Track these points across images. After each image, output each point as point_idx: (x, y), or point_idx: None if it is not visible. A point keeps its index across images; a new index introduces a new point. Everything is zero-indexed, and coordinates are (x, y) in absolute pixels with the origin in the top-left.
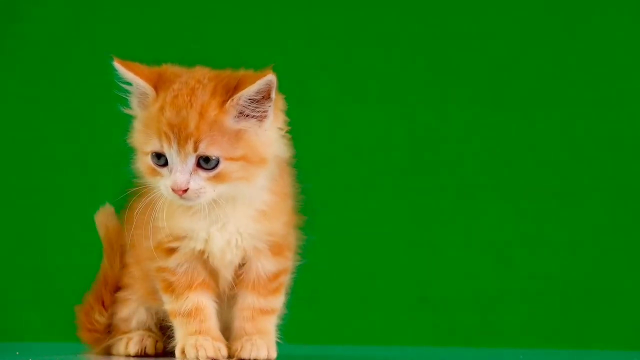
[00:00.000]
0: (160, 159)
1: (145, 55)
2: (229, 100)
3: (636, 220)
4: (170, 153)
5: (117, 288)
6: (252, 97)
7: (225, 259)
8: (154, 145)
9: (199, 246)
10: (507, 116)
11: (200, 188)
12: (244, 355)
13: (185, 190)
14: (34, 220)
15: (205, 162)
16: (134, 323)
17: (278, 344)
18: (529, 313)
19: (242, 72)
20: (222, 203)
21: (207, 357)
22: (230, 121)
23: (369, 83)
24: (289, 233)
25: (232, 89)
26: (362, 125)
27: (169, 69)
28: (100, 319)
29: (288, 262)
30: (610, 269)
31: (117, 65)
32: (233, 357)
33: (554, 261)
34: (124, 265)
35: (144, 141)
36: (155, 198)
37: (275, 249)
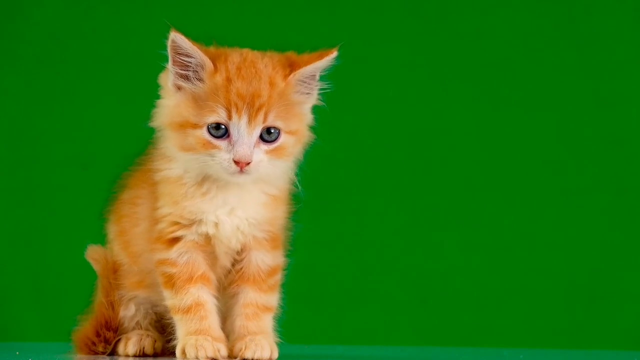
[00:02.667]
0: (219, 130)
1: (145, 53)
2: (292, 74)
3: (636, 220)
4: (238, 124)
5: (118, 326)
6: (313, 74)
7: (231, 244)
8: (217, 116)
9: (210, 230)
10: (507, 116)
11: (260, 161)
12: (248, 355)
13: (248, 164)
14: (34, 220)
15: (267, 134)
16: (132, 323)
17: (278, 343)
18: (529, 313)
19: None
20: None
21: (207, 357)
22: (291, 94)
23: (369, 82)
24: (284, 226)
25: (293, 64)
26: (363, 124)
27: (214, 46)
28: (106, 350)
29: (282, 257)
30: (610, 269)
31: (178, 36)
32: (236, 357)
33: (554, 261)
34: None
35: (198, 113)
36: (157, 184)
37: (273, 242)
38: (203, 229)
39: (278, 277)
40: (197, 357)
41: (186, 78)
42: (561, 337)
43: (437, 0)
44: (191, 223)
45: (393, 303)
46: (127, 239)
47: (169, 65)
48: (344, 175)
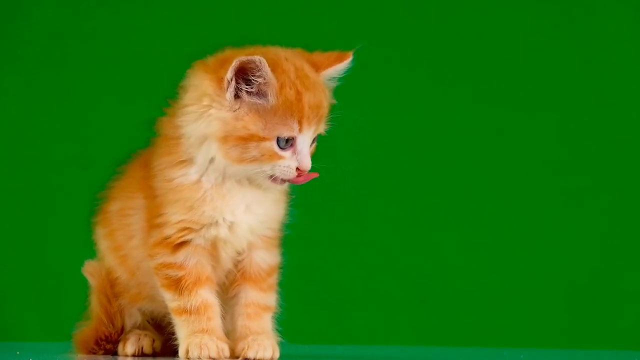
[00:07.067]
0: (288, 142)
1: (145, 53)
2: (321, 75)
3: (636, 220)
4: (306, 134)
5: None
6: (333, 76)
7: (241, 245)
8: (290, 131)
9: (223, 232)
10: (507, 116)
11: None
12: (250, 355)
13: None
14: (34, 220)
15: (312, 140)
16: (128, 326)
17: (279, 343)
18: (529, 313)
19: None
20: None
21: (209, 358)
22: None
23: (368, 82)
24: (282, 224)
25: (315, 65)
26: (363, 124)
27: (251, 51)
28: (107, 353)
29: (279, 257)
30: (610, 269)
31: (263, 61)
32: (238, 357)
33: (554, 261)
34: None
35: (267, 127)
36: (163, 194)
37: (272, 241)
38: (213, 232)
39: (276, 277)
40: (200, 357)
41: (249, 94)
42: (561, 337)
43: (437, 0)
44: (201, 227)
45: (393, 303)
46: (123, 254)
47: (231, 80)
48: (344, 175)
